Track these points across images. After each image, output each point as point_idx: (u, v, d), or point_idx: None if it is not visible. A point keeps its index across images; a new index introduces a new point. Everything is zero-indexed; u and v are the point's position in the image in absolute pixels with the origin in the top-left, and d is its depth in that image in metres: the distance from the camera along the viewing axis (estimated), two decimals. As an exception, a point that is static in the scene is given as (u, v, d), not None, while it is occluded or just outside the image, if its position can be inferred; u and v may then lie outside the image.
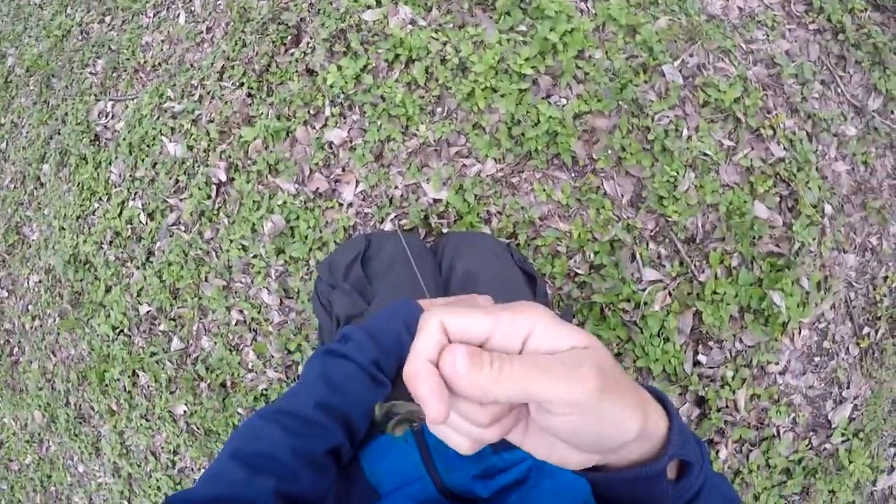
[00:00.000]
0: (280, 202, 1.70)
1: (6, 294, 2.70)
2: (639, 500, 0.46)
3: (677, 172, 1.59)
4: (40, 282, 2.47)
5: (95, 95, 2.28)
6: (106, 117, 2.23)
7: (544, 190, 1.59)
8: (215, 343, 1.91)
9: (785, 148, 1.66)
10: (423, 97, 1.61)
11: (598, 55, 1.64)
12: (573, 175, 1.60)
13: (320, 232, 1.67)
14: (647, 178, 1.61)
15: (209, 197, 1.84)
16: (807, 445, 1.61)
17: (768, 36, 1.78)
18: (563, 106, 1.58)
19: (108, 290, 2.14)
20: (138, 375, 2.12)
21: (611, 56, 1.63)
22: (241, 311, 1.83)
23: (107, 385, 2.22)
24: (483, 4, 1.65)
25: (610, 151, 1.60)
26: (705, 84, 1.66)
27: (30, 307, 2.55)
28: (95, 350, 2.22)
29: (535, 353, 0.34)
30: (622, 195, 1.62)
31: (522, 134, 1.57)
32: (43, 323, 2.49)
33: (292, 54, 1.76)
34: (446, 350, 0.33)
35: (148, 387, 2.12)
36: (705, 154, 1.63)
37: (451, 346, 0.33)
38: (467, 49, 1.57)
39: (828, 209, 1.67)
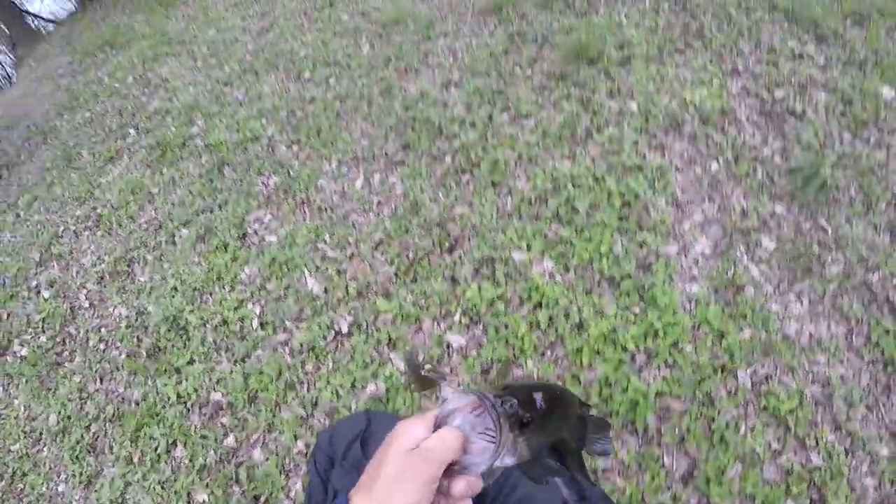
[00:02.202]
0: (387, 373, 1.99)
1: (87, 305, 2.92)
2: None
3: (728, 462, 1.85)
4: (126, 317, 2.71)
5: (259, 203, 2.69)
6: (260, 224, 2.62)
7: (613, 447, 1.87)
8: (267, 459, 2.09)
9: (823, 458, 1.89)
10: (540, 338, 1.96)
11: (688, 348, 1.98)
12: (640, 441, 1.88)
13: (411, 412, 1.94)
14: (701, 460, 1.87)
15: (325, 338, 2.15)
16: None
17: (829, 361, 2.05)
18: (650, 383, 1.90)
19: (191, 361, 2.38)
20: (177, 446, 2.28)
21: (699, 352, 1.97)
22: (307, 445, 2.04)
23: (139, 435, 2.33)
24: (611, 281, 2.05)
25: (677, 431, 1.88)
26: (769, 392, 1.94)
27: (102, 329, 2.76)
28: (147, 402, 2.38)
29: None
30: (676, 469, 1.87)
31: (610, 395, 1.88)
32: (108, 349, 2.68)
33: (444, 259, 2.16)
34: None
35: (180, 461, 2.26)
36: (755, 451, 1.89)
37: None
38: (588, 313, 1.95)
39: (851, 518, 1.88)
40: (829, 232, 2.16)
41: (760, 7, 2.92)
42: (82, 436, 2.49)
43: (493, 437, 0.53)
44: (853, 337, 2.10)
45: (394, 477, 0.52)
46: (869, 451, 1.99)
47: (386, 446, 0.55)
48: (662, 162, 2.27)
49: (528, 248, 2.12)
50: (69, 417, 2.57)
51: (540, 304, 2.01)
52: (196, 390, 2.31)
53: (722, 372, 1.93)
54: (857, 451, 1.98)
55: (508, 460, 0.54)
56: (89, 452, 2.47)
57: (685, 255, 2.08)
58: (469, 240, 2.19)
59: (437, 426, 0.54)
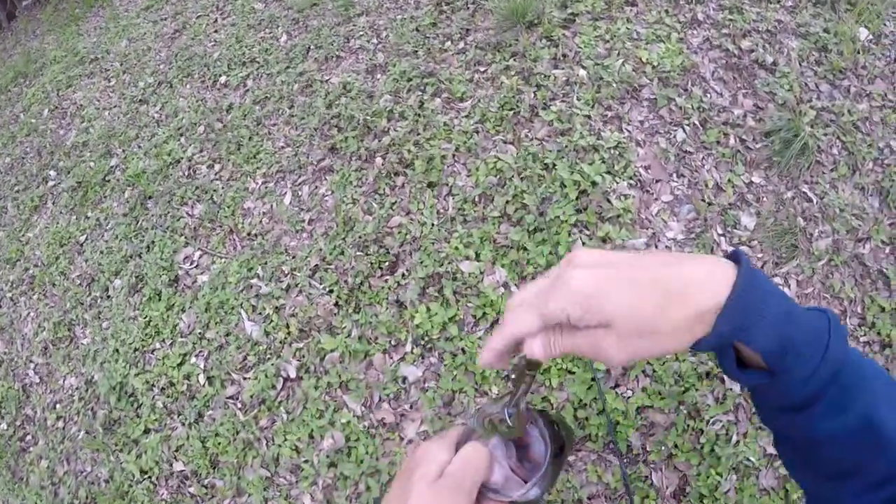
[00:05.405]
0: (344, 420, 1.78)
1: (38, 380, 2.73)
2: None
3: (721, 475, 1.68)
4: (77, 388, 2.52)
5: (186, 239, 2.43)
6: (191, 264, 2.37)
7: (596, 471, 1.67)
8: (242, 526, 1.92)
9: None
10: (502, 363, 1.72)
11: (669, 356, 1.76)
12: (626, 461, 1.68)
13: (377, 460, 1.74)
14: (692, 475, 1.70)
15: (274, 387, 1.93)
16: None
17: (821, 346, 1.91)
18: (629, 398, 1.69)
19: (146, 431, 2.19)
20: (152, 525, 2.12)
21: (680, 357, 1.75)
22: (278, 508, 1.86)
23: None
24: None
25: (663, 448, 1.69)
26: None
27: (57, 406, 2.58)
28: (115, 482, 2.22)
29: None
30: (667, 487, 1.70)
31: (586, 418, 1.66)
32: (66, 426, 2.51)
33: (386, 281, 1.90)
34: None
35: (158, 540, 2.11)
36: (749, 459, 1.73)
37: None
38: None
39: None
40: (814, 201, 1.92)
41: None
42: (61, 526, 2.35)
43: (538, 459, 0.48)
44: (847, 318, 1.92)
45: None
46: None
47: (405, 476, 0.48)
48: (620, 137, 1.97)
49: (477, 256, 1.84)
50: (46, 507, 2.43)
51: (497, 322, 1.76)
52: (157, 462, 2.13)
53: (707, 378, 1.71)
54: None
55: (535, 492, 0.47)
56: (72, 542, 2.33)
57: (656, 245, 1.81)
58: (411, 255, 1.92)
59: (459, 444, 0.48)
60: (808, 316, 0.42)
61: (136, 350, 2.32)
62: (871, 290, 1.94)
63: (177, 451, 2.09)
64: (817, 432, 0.43)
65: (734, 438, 1.74)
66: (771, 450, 1.78)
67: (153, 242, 2.52)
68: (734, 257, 0.43)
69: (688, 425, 1.72)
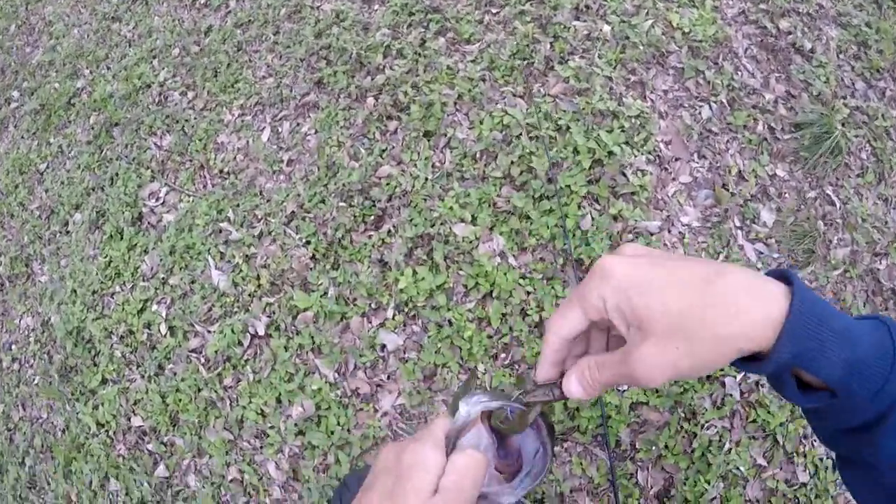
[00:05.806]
0: (315, 386, 1.61)
1: (-6, 319, 2.55)
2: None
3: (709, 482, 1.57)
4: (33, 329, 2.34)
5: (153, 172, 2.19)
6: (156, 201, 2.14)
7: (581, 464, 1.55)
8: (203, 487, 1.79)
9: (810, 474, 1.66)
10: (492, 338, 1.54)
11: None
12: (613, 456, 1.55)
13: (348, 432, 1.58)
14: (679, 479, 1.60)
15: (240, 344, 1.75)
16: None
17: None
18: (624, 392, 1.55)
19: (104, 381, 2.02)
20: (109, 480, 1.98)
21: None
22: (240, 471, 1.72)
23: (71, 472, 2.07)
24: (578, 265, 1.61)
25: (653, 447, 1.57)
26: (758, 403, 1.65)
27: (13, 346, 2.41)
28: (71, 433, 2.08)
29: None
30: (652, 486, 1.60)
31: (577, 409, 1.51)
32: (22, 370, 2.35)
33: (370, 237, 1.69)
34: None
35: (117, 496, 1.98)
36: (738, 469, 1.62)
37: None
38: (550, 309, 1.51)
39: (836, 540, 1.63)
40: (838, 206, 1.75)
41: None
42: (19, 474, 2.21)
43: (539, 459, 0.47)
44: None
45: None
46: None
47: (391, 479, 0.43)
48: (643, 106, 1.75)
49: (473, 220, 1.63)
50: (2, 454, 2.29)
51: (490, 295, 1.57)
52: (115, 416, 1.97)
53: (708, 381, 1.58)
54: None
55: (520, 492, 0.46)
56: (30, 489, 2.21)
57: (669, 230, 1.62)
58: (399, 210, 1.70)
59: (451, 444, 0.46)
60: (867, 329, 0.40)
61: (94, 293, 2.12)
62: (881, 308, 1.82)
63: (135, 405, 1.93)
64: (887, 451, 0.40)
65: (727, 446, 1.62)
66: (761, 461, 1.66)
67: (117, 174, 2.28)
68: (780, 275, 0.40)
69: (682, 427, 1.60)
